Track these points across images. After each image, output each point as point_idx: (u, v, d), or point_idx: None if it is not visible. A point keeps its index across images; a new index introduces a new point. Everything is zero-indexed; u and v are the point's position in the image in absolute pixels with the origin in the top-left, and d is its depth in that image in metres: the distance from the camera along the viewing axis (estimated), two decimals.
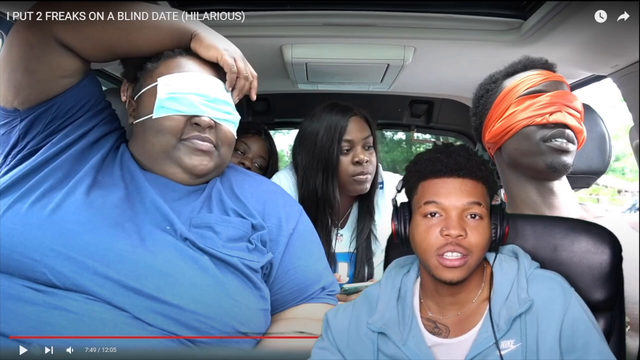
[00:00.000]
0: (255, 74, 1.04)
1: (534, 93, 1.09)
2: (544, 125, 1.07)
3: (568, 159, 1.08)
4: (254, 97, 1.04)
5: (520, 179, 1.13)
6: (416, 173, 0.83)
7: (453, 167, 0.79)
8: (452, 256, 0.77)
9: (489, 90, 1.17)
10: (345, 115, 1.35)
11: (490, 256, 0.84)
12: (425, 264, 0.80)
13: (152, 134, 0.97)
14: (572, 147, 1.08)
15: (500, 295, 0.79)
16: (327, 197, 1.34)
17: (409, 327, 0.81)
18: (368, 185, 1.38)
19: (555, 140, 1.07)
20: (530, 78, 1.11)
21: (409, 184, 0.85)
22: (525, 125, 1.08)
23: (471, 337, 0.78)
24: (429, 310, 0.83)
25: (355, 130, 1.35)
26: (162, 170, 0.99)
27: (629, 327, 0.99)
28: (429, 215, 0.79)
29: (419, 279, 0.86)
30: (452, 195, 0.78)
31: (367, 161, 1.35)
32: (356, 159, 1.34)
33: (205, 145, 0.98)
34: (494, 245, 0.82)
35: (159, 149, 0.97)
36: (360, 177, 1.35)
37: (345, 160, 1.35)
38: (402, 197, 0.87)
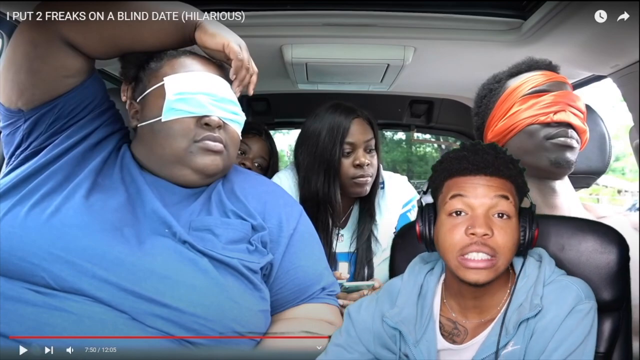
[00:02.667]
0: (256, 69, 1.02)
1: (538, 92, 1.09)
2: (547, 124, 1.07)
3: (572, 156, 1.08)
4: (251, 92, 1.02)
5: None
6: (442, 172, 0.80)
7: (480, 165, 0.77)
8: (477, 257, 0.73)
9: (492, 90, 1.17)
10: (348, 117, 1.33)
11: (517, 260, 0.81)
12: (448, 264, 0.77)
13: (163, 138, 0.95)
14: (575, 144, 1.08)
15: (516, 301, 0.77)
16: (328, 198, 1.33)
17: (424, 328, 0.79)
18: (368, 188, 1.36)
19: (559, 139, 1.07)
20: (534, 78, 1.11)
21: (435, 184, 0.82)
22: (529, 123, 1.08)
23: (479, 341, 0.76)
24: (452, 311, 0.80)
25: (357, 132, 1.33)
26: (171, 173, 0.98)
27: None
28: (454, 214, 0.76)
29: (442, 277, 0.83)
30: (479, 191, 0.76)
31: (368, 164, 1.33)
32: (357, 162, 1.32)
33: (218, 145, 0.97)
34: (522, 249, 0.79)
35: (171, 152, 0.96)
36: (360, 179, 1.34)
37: (346, 162, 1.33)
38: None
